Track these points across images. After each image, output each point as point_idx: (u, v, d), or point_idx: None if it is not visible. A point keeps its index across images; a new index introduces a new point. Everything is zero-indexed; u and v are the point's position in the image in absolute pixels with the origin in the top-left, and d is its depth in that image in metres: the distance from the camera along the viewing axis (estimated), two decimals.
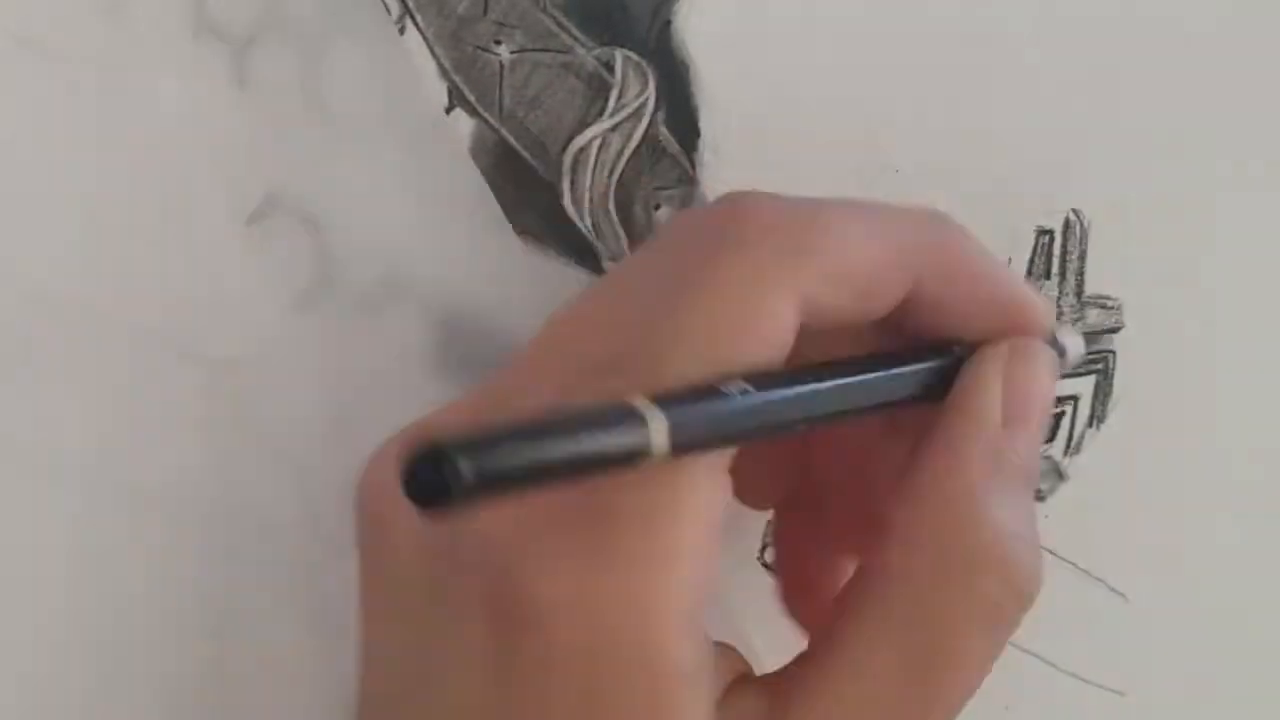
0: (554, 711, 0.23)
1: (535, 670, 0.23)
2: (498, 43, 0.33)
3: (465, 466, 0.19)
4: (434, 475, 0.19)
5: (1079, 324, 0.34)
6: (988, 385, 0.26)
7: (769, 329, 0.24)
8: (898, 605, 0.25)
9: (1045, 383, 0.26)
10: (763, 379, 0.24)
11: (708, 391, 0.23)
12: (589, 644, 0.22)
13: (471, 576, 0.23)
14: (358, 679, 0.26)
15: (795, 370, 0.24)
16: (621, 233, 0.33)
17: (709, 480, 0.23)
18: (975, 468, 0.25)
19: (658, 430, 0.21)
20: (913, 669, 0.25)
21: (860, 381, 0.25)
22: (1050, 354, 0.27)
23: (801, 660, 0.26)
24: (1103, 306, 0.34)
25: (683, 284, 0.24)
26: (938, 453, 0.25)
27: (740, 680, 0.26)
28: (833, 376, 0.25)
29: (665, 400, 0.22)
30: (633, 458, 0.21)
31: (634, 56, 0.33)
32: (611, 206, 0.33)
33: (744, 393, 0.23)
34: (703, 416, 0.22)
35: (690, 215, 0.28)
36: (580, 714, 0.23)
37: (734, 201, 0.26)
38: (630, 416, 0.21)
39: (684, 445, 0.22)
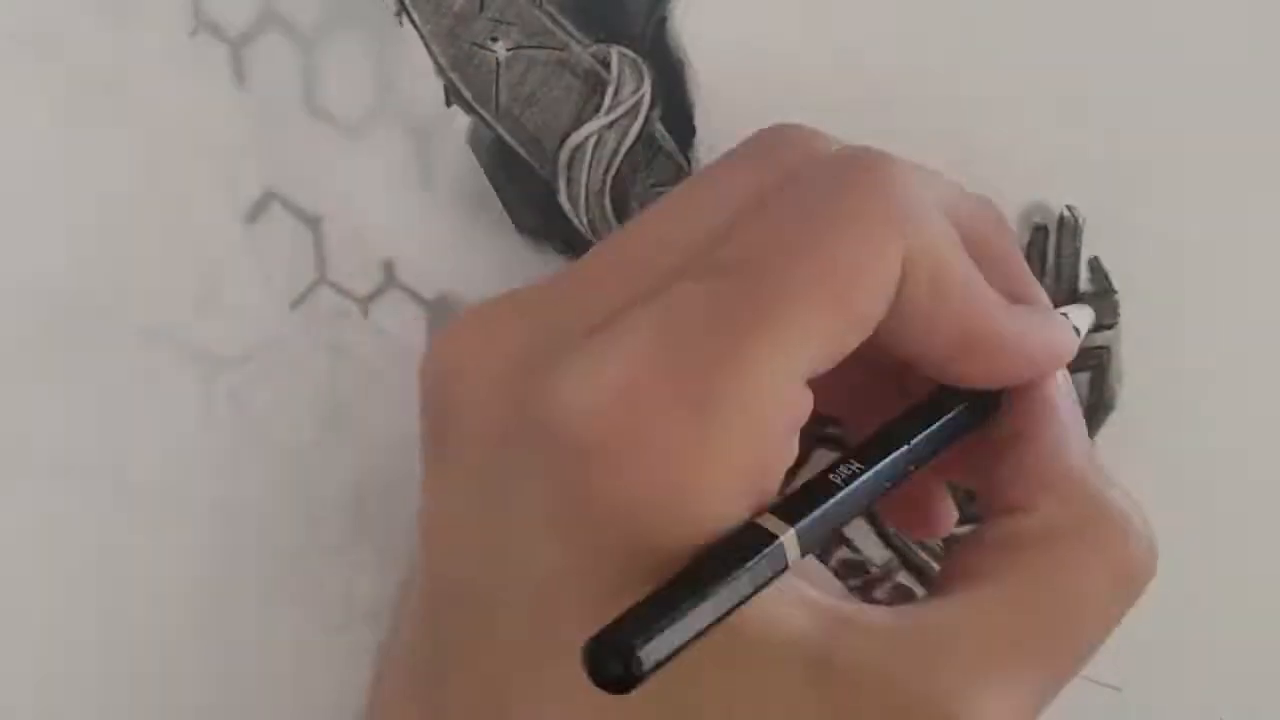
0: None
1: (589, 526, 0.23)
2: (494, 39, 0.33)
3: (647, 656, 0.20)
4: (611, 656, 0.20)
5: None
6: (1060, 394, 0.29)
7: (881, 281, 0.25)
8: (1040, 568, 0.26)
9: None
10: (863, 450, 0.26)
11: (820, 488, 0.25)
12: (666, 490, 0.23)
13: (539, 464, 0.24)
14: (420, 556, 0.26)
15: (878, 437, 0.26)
16: (618, 228, 0.33)
17: (801, 394, 0.24)
18: (1077, 458, 0.28)
19: (790, 545, 0.23)
20: (1052, 619, 0.26)
21: (934, 428, 0.27)
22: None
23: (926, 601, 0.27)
24: (1098, 302, 0.34)
25: (809, 210, 0.25)
26: (1040, 452, 0.28)
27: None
28: (906, 433, 0.27)
29: (785, 512, 0.24)
30: (775, 578, 0.23)
31: (630, 53, 0.33)
32: (607, 203, 0.33)
33: (849, 477, 0.25)
34: (821, 518, 0.24)
35: (804, 141, 0.28)
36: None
37: (863, 156, 0.27)
38: (765, 541, 0.23)
39: (810, 547, 0.24)
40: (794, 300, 0.24)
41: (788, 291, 0.24)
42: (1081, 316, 0.32)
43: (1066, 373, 0.29)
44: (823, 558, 0.34)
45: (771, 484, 0.24)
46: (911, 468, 0.26)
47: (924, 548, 0.34)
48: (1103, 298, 0.34)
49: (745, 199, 0.26)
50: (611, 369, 0.23)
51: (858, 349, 0.25)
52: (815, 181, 0.26)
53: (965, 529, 0.33)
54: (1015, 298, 0.28)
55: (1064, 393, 0.29)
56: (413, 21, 0.32)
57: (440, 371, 0.26)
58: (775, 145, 0.28)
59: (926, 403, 0.28)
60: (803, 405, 0.24)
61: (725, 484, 0.23)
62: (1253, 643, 0.36)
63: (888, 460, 0.26)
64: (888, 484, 0.26)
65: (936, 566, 0.34)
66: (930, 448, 0.27)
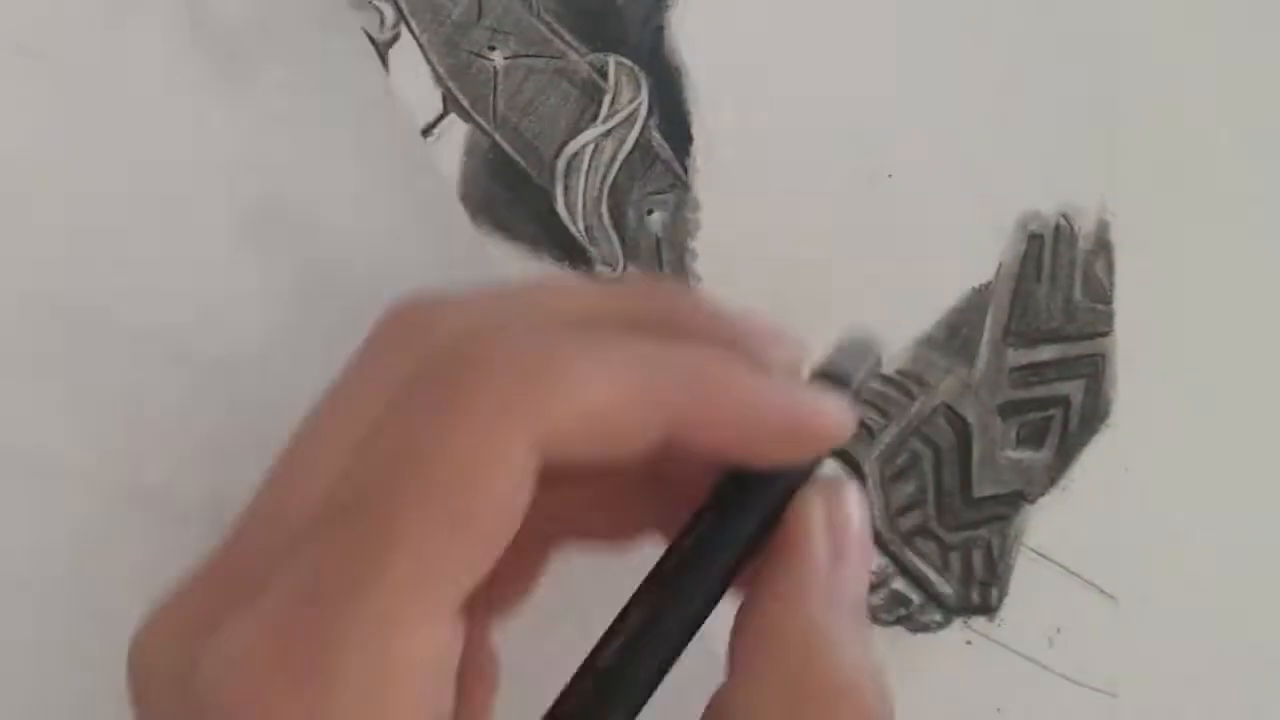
0: None
1: None
2: (492, 49, 0.33)
3: None
4: None
5: (1069, 326, 0.34)
6: (812, 531, 0.25)
7: (505, 483, 0.22)
8: None
9: (857, 517, 0.26)
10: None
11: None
12: None
13: None
14: None
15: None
16: (615, 237, 0.33)
17: (432, 635, 0.22)
18: (815, 608, 0.25)
19: None
20: None
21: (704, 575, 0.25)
22: (854, 488, 0.26)
23: None
24: (1093, 310, 0.34)
25: (414, 426, 0.23)
26: (777, 597, 0.25)
27: None
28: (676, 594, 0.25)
29: None
30: None
31: (627, 62, 0.33)
32: (605, 211, 0.33)
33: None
34: None
35: (404, 335, 0.25)
36: None
37: (465, 336, 0.24)
38: None
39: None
40: (404, 537, 0.22)
41: (396, 528, 0.22)
42: (854, 358, 0.28)
43: (856, 494, 0.26)
44: None
45: None
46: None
47: (921, 556, 0.34)
48: (1097, 307, 0.34)
49: (365, 424, 0.24)
50: (241, 640, 0.22)
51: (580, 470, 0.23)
52: (419, 387, 0.23)
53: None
54: (782, 424, 0.25)
55: (823, 521, 0.25)
56: (411, 30, 0.33)
57: (131, 661, 0.25)
58: (389, 346, 0.25)
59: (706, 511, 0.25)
60: (446, 642, 0.22)
61: None
62: (1246, 648, 0.36)
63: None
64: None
65: (933, 574, 0.34)
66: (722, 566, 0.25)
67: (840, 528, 0.25)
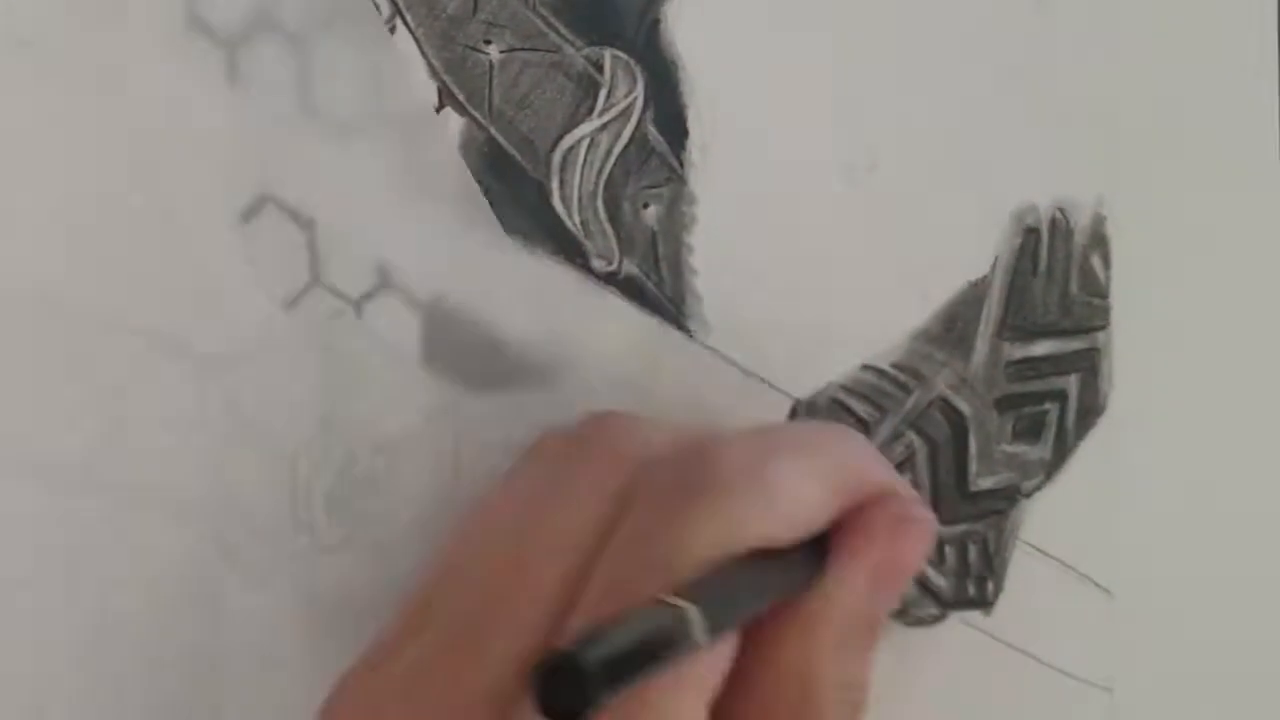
0: None
1: None
2: (487, 42, 0.33)
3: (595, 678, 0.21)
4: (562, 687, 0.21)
5: (1066, 320, 0.34)
6: (854, 573, 0.27)
7: None
8: None
9: (918, 555, 0.29)
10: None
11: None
12: None
13: None
14: None
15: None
16: (610, 231, 0.33)
17: None
18: (828, 627, 0.27)
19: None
20: None
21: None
22: (928, 520, 0.29)
23: None
24: (1089, 304, 0.34)
25: (658, 531, 0.26)
26: (800, 618, 0.27)
27: None
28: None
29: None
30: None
31: (623, 56, 0.33)
32: (600, 205, 0.33)
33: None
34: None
35: (614, 443, 0.29)
36: None
37: (698, 450, 0.27)
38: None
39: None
40: None
41: None
42: None
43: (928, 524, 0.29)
44: None
45: None
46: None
47: (930, 562, 0.35)
48: (1093, 301, 0.35)
49: (591, 522, 0.27)
50: None
51: None
52: (657, 494, 0.26)
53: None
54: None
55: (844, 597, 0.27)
56: (406, 24, 0.32)
57: None
58: (601, 449, 0.29)
59: None
60: None
61: None
62: (1243, 645, 0.36)
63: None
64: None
65: (929, 568, 0.35)
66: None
67: (895, 561, 0.28)
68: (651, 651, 0.22)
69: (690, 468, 0.26)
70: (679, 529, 0.25)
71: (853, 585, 0.27)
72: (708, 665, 0.25)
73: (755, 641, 0.26)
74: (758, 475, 0.26)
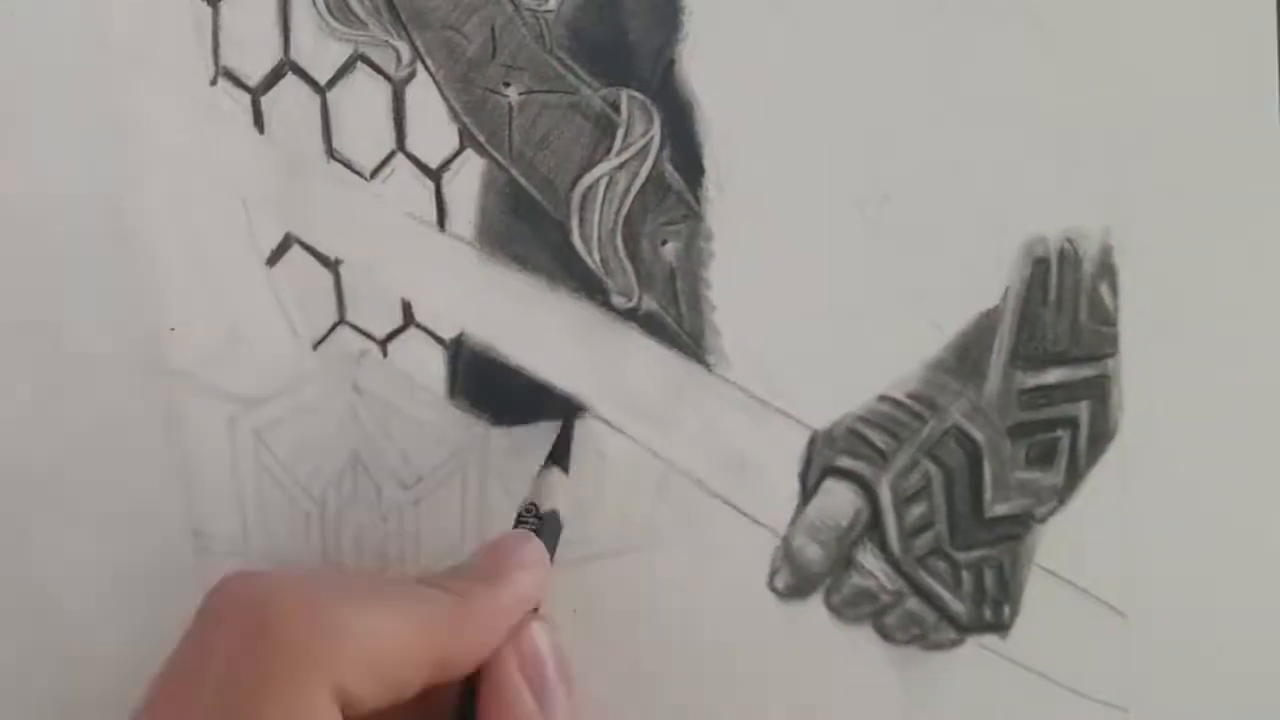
0: None
1: None
2: (506, 85, 0.33)
3: None
4: None
5: (1076, 348, 0.35)
6: (510, 693, 0.28)
7: None
8: None
9: (545, 651, 0.29)
10: None
11: None
12: None
13: None
14: None
15: None
16: (629, 267, 0.34)
17: None
18: None
19: None
20: None
21: None
22: (542, 626, 0.29)
23: None
24: (1098, 332, 0.35)
25: (221, 691, 0.25)
26: None
27: None
28: None
29: None
30: None
31: (639, 96, 0.34)
32: (619, 242, 0.34)
33: None
34: None
35: (216, 612, 0.27)
36: None
37: (250, 592, 0.27)
38: None
39: None
40: None
41: None
42: (552, 484, 0.32)
43: (540, 629, 0.29)
44: (834, 586, 0.35)
45: None
46: None
47: (934, 575, 0.35)
48: (1102, 329, 0.35)
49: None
50: None
51: None
52: (229, 664, 0.26)
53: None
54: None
55: (517, 679, 0.28)
56: (426, 68, 0.33)
57: None
58: (214, 622, 0.27)
59: None
60: None
61: None
62: (1256, 664, 0.36)
63: None
64: None
65: (946, 594, 0.35)
66: None
67: (535, 672, 0.28)
68: None
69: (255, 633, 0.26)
70: (234, 674, 0.25)
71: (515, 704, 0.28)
72: None
73: None
74: (333, 618, 0.26)
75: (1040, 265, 0.35)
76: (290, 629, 0.25)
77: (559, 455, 0.33)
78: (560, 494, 0.32)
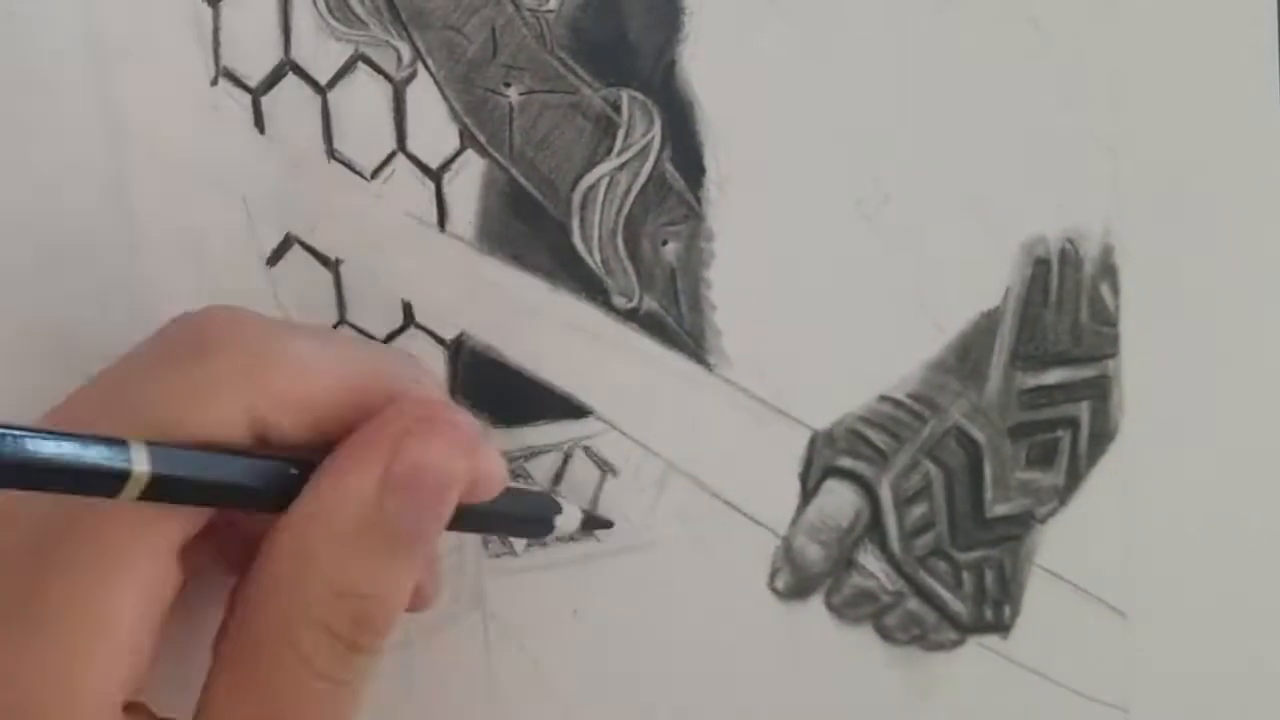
0: None
1: None
2: (507, 85, 0.33)
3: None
4: None
5: (1077, 349, 0.35)
6: (358, 476, 0.26)
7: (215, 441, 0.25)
8: (239, 675, 0.26)
9: (441, 457, 0.26)
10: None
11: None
12: (13, 712, 0.24)
13: None
14: None
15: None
16: (630, 268, 0.34)
17: (149, 566, 0.25)
18: (320, 529, 0.26)
19: (139, 460, 0.23)
20: None
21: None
22: (464, 432, 0.26)
23: None
24: (1099, 333, 0.35)
25: (144, 388, 0.26)
26: (291, 520, 0.26)
27: None
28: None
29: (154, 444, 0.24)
30: (114, 479, 0.23)
31: (640, 96, 0.34)
32: (620, 243, 0.34)
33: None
34: (185, 462, 0.24)
35: (162, 329, 0.28)
36: None
37: (198, 316, 0.27)
38: (119, 445, 0.23)
39: (164, 481, 0.24)
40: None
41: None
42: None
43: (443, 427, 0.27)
44: (835, 587, 0.35)
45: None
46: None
47: (935, 576, 0.35)
48: (1103, 329, 0.35)
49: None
50: None
51: None
52: (167, 361, 0.27)
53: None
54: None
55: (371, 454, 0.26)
56: (427, 68, 0.33)
57: None
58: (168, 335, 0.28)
59: None
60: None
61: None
62: (1257, 665, 0.36)
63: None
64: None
65: (947, 594, 0.35)
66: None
67: (411, 459, 0.26)
68: (75, 469, 0.22)
69: (186, 329, 0.27)
70: (160, 375, 0.26)
71: (354, 488, 0.25)
72: (144, 580, 0.25)
73: (261, 549, 0.26)
74: (261, 343, 0.26)
75: (1041, 265, 0.35)
76: (221, 350, 0.26)
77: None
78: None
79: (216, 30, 0.33)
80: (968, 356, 0.35)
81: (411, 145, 0.33)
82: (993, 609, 0.35)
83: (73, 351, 0.33)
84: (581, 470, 0.34)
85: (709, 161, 0.34)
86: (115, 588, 0.24)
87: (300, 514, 0.26)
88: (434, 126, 0.33)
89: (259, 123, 0.33)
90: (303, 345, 0.26)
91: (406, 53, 0.33)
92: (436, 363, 0.34)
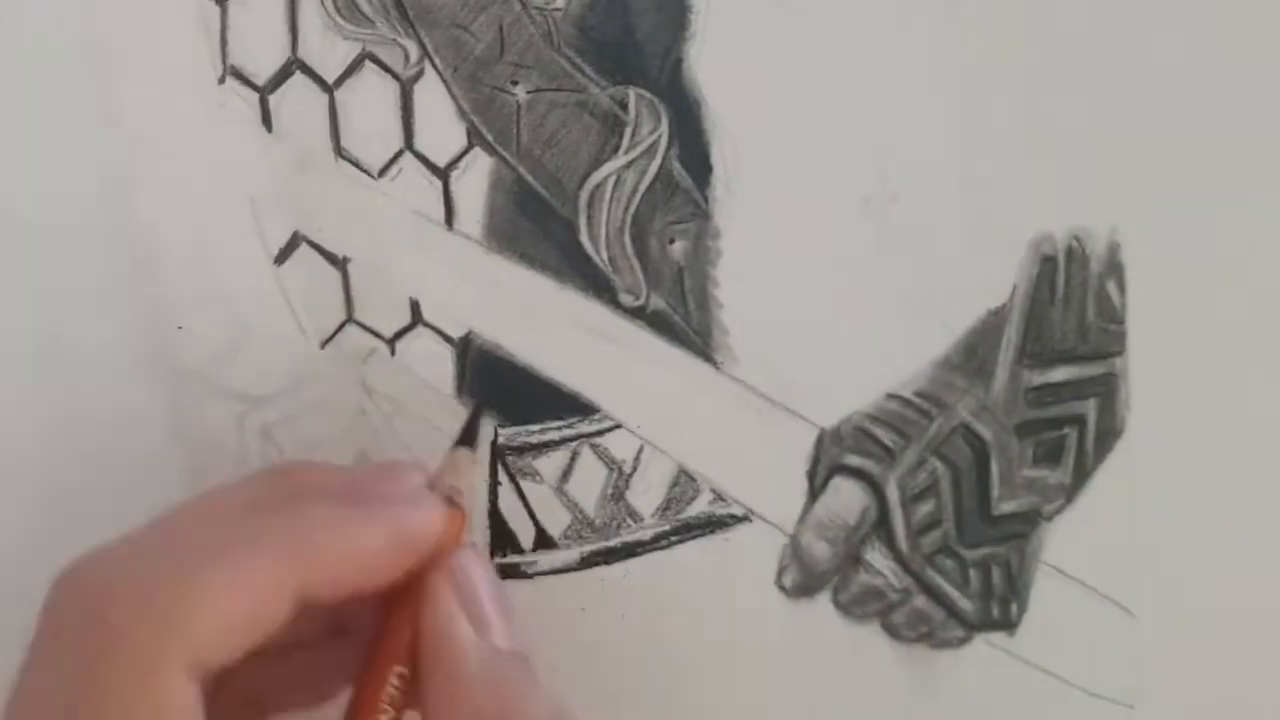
0: None
1: None
2: (514, 83, 0.33)
3: None
4: None
5: (1083, 346, 0.35)
6: (446, 619, 0.27)
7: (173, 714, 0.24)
8: None
9: (480, 579, 0.28)
10: None
11: None
12: None
13: None
14: None
15: None
16: (637, 266, 0.34)
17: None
18: (480, 685, 0.27)
19: None
20: None
21: None
22: (471, 553, 0.29)
23: None
24: (1105, 330, 0.35)
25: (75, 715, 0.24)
26: (446, 689, 0.27)
27: None
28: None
29: None
30: None
31: (647, 94, 0.34)
32: (627, 241, 0.34)
33: None
34: None
35: (56, 611, 0.26)
36: None
37: (89, 593, 0.25)
38: None
39: None
40: None
41: None
42: (459, 465, 0.31)
43: (471, 556, 0.28)
44: (842, 584, 0.35)
45: None
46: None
47: (942, 573, 0.35)
48: (1109, 327, 0.35)
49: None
50: None
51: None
52: (66, 662, 0.25)
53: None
54: (397, 550, 0.28)
55: (453, 605, 0.28)
56: (435, 66, 0.33)
57: None
58: (53, 631, 0.26)
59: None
60: None
61: None
62: (1262, 660, 0.36)
63: None
64: None
65: (954, 591, 0.35)
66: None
67: (471, 599, 0.28)
68: None
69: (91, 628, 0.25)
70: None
71: (455, 635, 0.27)
72: None
73: None
74: (168, 601, 0.25)
75: (1048, 263, 0.35)
76: (129, 619, 0.24)
77: (468, 437, 0.32)
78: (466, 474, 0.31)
79: (224, 29, 0.33)
80: (975, 354, 0.35)
81: (419, 143, 0.33)
82: (999, 606, 0.35)
83: (76, 351, 0.33)
84: (589, 468, 0.34)
85: (716, 160, 0.34)
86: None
87: None
88: (441, 125, 0.33)
89: (266, 121, 0.33)
90: (214, 573, 0.25)
91: (414, 51, 0.33)
92: (444, 361, 0.34)
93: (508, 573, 0.34)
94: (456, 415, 0.34)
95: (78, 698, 0.24)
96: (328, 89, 0.33)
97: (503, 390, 0.34)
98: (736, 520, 0.35)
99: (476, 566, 0.28)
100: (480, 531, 0.34)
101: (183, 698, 0.24)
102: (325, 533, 0.26)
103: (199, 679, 0.24)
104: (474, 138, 0.33)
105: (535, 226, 0.34)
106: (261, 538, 0.26)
